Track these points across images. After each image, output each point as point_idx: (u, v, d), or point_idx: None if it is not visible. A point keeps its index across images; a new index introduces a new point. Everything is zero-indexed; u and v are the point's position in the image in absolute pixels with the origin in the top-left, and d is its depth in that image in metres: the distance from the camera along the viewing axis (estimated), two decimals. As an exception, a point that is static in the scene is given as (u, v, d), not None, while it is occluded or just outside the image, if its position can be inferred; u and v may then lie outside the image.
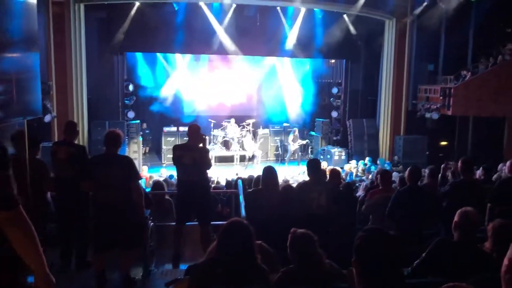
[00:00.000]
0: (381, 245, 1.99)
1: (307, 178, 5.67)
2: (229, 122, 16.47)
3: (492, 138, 15.51)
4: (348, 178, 12.80)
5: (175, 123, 16.44)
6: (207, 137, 6.04)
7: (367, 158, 15.53)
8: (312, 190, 5.24)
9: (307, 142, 17.13)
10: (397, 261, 2.01)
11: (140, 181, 5.20)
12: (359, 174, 14.15)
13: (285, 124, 17.48)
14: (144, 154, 16.28)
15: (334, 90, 17.78)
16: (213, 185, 9.19)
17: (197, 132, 5.68)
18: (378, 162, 15.21)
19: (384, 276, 1.96)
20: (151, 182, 9.45)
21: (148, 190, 7.15)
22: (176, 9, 14.75)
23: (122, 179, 4.62)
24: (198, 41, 15.10)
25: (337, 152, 16.18)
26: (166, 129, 16.12)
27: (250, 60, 17.76)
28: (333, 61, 18.49)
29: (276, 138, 17.18)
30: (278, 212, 5.02)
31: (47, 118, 11.69)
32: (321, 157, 16.05)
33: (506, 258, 1.73)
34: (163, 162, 15.60)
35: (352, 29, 16.02)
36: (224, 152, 16.25)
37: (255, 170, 13.28)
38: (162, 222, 6.19)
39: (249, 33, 15.36)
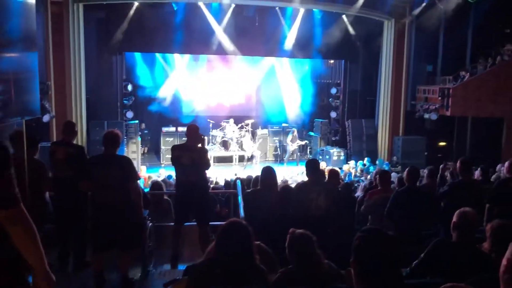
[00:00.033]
0: (380, 246, 1.98)
1: (306, 179, 5.67)
2: (228, 122, 16.47)
3: (490, 138, 15.54)
4: (347, 178, 12.79)
5: (173, 123, 16.44)
6: (205, 137, 6.04)
7: (366, 159, 15.55)
8: (311, 191, 5.23)
9: (306, 143, 17.13)
10: (395, 261, 2.01)
11: (138, 181, 5.19)
12: (357, 174, 14.15)
13: (284, 125, 17.49)
14: (143, 154, 16.27)
15: (333, 91, 17.80)
16: (211, 186, 9.19)
17: (195, 132, 5.67)
18: (377, 162, 15.22)
19: (383, 276, 1.95)
20: (149, 182, 9.44)
21: (146, 190, 7.14)
22: (175, 9, 14.74)
23: (120, 179, 4.62)
24: (197, 41, 15.10)
25: (336, 153, 16.19)
26: (164, 129, 16.13)
27: (249, 61, 17.77)
28: (332, 61, 18.52)
29: (275, 138, 17.19)
30: (277, 212, 5.02)
31: (46, 118, 11.67)
32: (320, 157, 16.05)
33: (505, 259, 1.73)
34: (161, 162, 15.61)
35: (351, 29, 16.03)
36: (223, 153, 16.25)
37: (254, 170, 13.29)
38: (161, 222, 6.19)
39: (248, 33, 15.37)
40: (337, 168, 8.26)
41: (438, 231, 5.35)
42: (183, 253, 5.79)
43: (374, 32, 16.14)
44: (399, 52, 15.84)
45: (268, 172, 5.33)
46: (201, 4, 14.73)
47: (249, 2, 15.14)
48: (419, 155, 15.41)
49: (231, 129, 16.24)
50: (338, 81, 17.87)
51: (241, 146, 16.21)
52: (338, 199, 5.40)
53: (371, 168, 14.21)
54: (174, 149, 5.75)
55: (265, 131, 17.21)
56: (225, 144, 16.43)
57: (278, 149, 17.09)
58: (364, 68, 17.48)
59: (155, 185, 7.26)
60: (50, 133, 12.60)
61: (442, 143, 17.40)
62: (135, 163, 9.18)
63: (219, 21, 15.18)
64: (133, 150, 14.65)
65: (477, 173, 7.25)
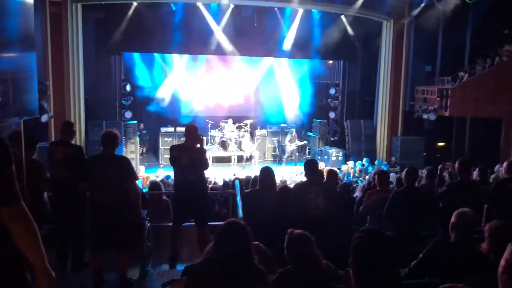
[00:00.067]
0: (378, 246, 1.98)
1: (304, 179, 5.67)
2: (226, 122, 16.47)
3: (489, 139, 15.57)
4: (345, 179, 12.80)
5: (172, 123, 16.44)
6: (204, 138, 6.04)
7: (364, 159, 15.56)
8: (310, 191, 5.23)
9: (304, 143, 17.13)
10: (394, 261, 2.01)
11: (137, 181, 5.19)
12: (356, 175, 14.16)
13: (282, 125, 17.49)
14: (141, 154, 16.26)
15: (332, 91, 17.80)
16: (210, 186, 9.19)
17: (194, 133, 5.67)
18: (375, 163, 15.24)
19: (381, 276, 1.95)
20: (148, 182, 9.43)
21: (145, 190, 7.14)
22: (173, 9, 14.74)
23: (119, 179, 4.61)
24: (195, 41, 15.09)
25: (335, 153, 16.20)
26: (163, 129, 16.13)
27: (247, 61, 17.77)
28: (330, 62, 18.52)
29: (273, 138, 17.19)
30: (276, 212, 5.02)
31: (44, 118, 11.65)
32: (319, 157, 16.07)
33: (503, 259, 1.74)
34: (160, 162, 15.60)
35: (349, 30, 16.03)
36: (221, 153, 16.24)
37: (253, 170, 13.28)
38: (159, 222, 6.18)
39: (247, 34, 15.36)
40: (335, 169, 8.27)
41: (436, 231, 5.35)
42: (181, 253, 5.79)
43: (373, 33, 16.15)
44: (398, 53, 15.86)
45: (267, 173, 5.33)
46: (199, 4, 14.72)
47: (247, 3, 15.13)
48: (417, 156, 15.42)
49: (229, 129, 16.24)
50: (337, 82, 17.87)
51: (239, 147, 16.21)
52: (336, 199, 5.40)
53: (370, 168, 14.22)
54: (173, 149, 5.75)
55: (264, 131, 17.21)
56: (223, 144, 16.43)
57: (277, 149, 17.09)
58: (363, 68, 17.49)
59: (154, 185, 7.26)
60: (48, 133, 12.59)
61: (440, 144, 17.42)
62: (133, 163, 9.16)
63: (218, 22, 15.18)
64: (132, 150, 14.63)
65: (475, 174, 7.24)
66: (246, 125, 16.65)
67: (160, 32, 14.76)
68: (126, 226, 4.64)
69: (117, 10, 14.60)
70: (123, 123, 14.86)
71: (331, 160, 15.87)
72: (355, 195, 8.03)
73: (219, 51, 15.62)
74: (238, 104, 18.38)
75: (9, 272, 2.11)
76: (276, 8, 15.42)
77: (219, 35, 15.23)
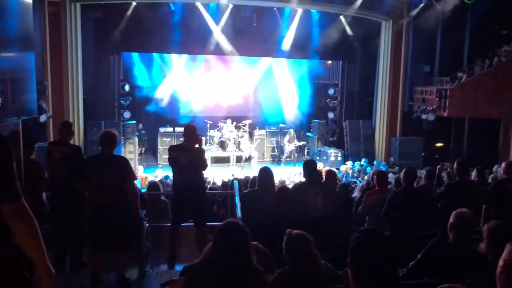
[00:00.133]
0: (377, 246, 1.98)
1: (303, 179, 5.67)
2: (225, 122, 16.46)
3: (487, 139, 15.58)
4: (344, 179, 12.81)
5: (171, 123, 16.43)
6: (203, 138, 6.03)
7: (363, 159, 15.58)
8: (308, 191, 5.24)
9: (303, 144, 17.13)
10: (392, 262, 2.01)
11: (135, 181, 5.19)
12: (355, 175, 14.18)
13: (281, 125, 17.48)
14: (140, 154, 16.25)
15: (331, 91, 17.81)
16: (209, 186, 9.18)
17: (193, 133, 5.67)
18: (374, 163, 15.25)
19: (380, 277, 1.95)
20: (146, 182, 9.43)
21: (144, 190, 7.13)
22: (172, 9, 14.72)
23: (117, 179, 4.61)
24: (194, 41, 15.08)
25: (333, 153, 16.21)
26: (162, 129, 16.12)
27: (246, 61, 17.76)
28: (329, 62, 18.51)
29: (272, 139, 17.19)
30: (274, 213, 5.02)
31: (43, 118, 11.64)
32: (317, 158, 16.08)
33: (501, 259, 1.74)
34: (159, 162, 15.59)
35: (348, 30, 16.03)
36: (220, 153, 16.24)
37: (251, 171, 13.28)
38: (158, 222, 6.18)
39: (246, 34, 15.35)
40: (334, 169, 8.26)
41: (435, 231, 5.35)
42: (180, 253, 5.78)
43: (371, 33, 16.15)
44: (397, 53, 15.86)
45: (266, 173, 5.34)
46: (198, 4, 14.71)
47: (246, 3, 15.12)
48: (416, 156, 15.44)
49: (228, 130, 16.24)
50: (336, 82, 17.88)
51: (238, 147, 16.21)
52: (335, 199, 5.41)
53: (369, 168, 14.23)
54: (171, 149, 5.75)
55: (263, 131, 17.21)
56: (222, 145, 16.43)
57: (276, 149, 17.10)
58: (362, 68, 17.50)
59: (152, 185, 7.26)
60: (47, 133, 12.57)
61: (439, 144, 17.43)
62: (132, 163, 9.18)
63: (217, 21, 15.16)
64: (130, 150, 14.63)
65: (473, 174, 7.26)
66: (245, 125, 16.64)
67: (159, 32, 14.74)
68: (124, 226, 4.64)
69: (116, 10, 14.59)
70: (122, 123, 14.85)
71: (329, 160, 15.88)
72: (353, 195, 8.03)
73: (218, 51, 15.61)
74: (237, 104, 18.36)
75: (9, 272, 2.11)
76: (275, 8, 15.42)
77: (218, 35, 15.23)
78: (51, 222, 5.48)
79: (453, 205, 3.98)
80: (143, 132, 16.76)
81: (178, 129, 15.53)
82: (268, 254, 3.35)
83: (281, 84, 18.36)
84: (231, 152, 16.11)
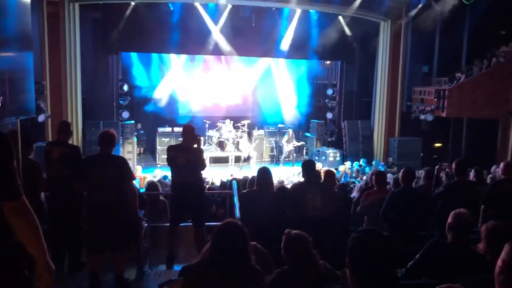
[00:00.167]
0: (375, 246, 1.99)
1: (302, 179, 5.67)
2: (224, 123, 16.46)
3: (485, 140, 15.58)
4: (342, 179, 12.82)
5: (170, 123, 16.41)
6: (201, 138, 6.03)
7: (361, 160, 15.60)
8: (307, 191, 5.24)
9: (302, 144, 17.13)
10: (391, 262, 2.01)
11: (134, 181, 5.18)
12: (353, 175, 14.18)
13: (280, 125, 17.49)
14: (139, 154, 16.24)
15: (329, 92, 17.83)
16: (207, 186, 9.19)
17: (191, 133, 5.67)
18: (372, 163, 15.25)
19: (378, 277, 1.96)
20: (145, 182, 9.43)
21: (142, 190, 7.13)
22: (171, 9, 14.71)
23: (116, 179, 4.60)
24: (193, 41, 15.07)
25: (332, 153, 16.20)
26: (160, 129, 16.09)
27: (245, 61, 17.76)
28: (328, 62, 18.52)
29: (271, 139, 17.19)
30: (273, 213, 5.02)
31: (41, 118, 11.62)
32: (316, 158, 16.08)
33: (500, 259, 1.74)
34: (157, 162, 15.57)
35: (347, 30, 16.05)
36: (219, 153, 16.24)
37: (250, 171, 13.28)
38: (156, 222, 6.18)
39: (245, 34, 15.35)
40: (333, 169, 8.25)
41: (433, 232, 5.36)
42: (178, 253, 5.78)
43: (370, 33, 16.17)
44: (395, 53, 15.88)
45: (264, 173, 5.34)
46: (197, 4, 14.71)
47: (245, 3, 15.12)
48: (414, 156, 15.45)
49: (227, 130, 16.23)
50: (334, 82, 17.89)
51: (237, 147, 16.21)
52: (334, 200, 5.41)
53: (367, 169, 14.24)
54: (170, 149, 5.75)
55: (261, 131, 17.21)
56: (221, 145, 16.43)
57: (274, 150, 17.09)
58: (360, 69, 17.51)
59: (151, 185, 7.26)
60: (45, 133, 12.55)
61: (437, 144, 17.44)
62: (130, 163, 9.15)
63: (216, 22, 15.16)
64: (129, 150, 14.61)
65: (471, 175, 7.27)
66: (243, 126, 16.64)
67: (157, 32, 14.73)
68: (123, 226, 4.64)
69: (114, 10, 14.58)
70: (121, 123, 14.84)
71: (328, 160, 15.88)
72: (352, 195, 8.03)
73: (217, 51, 15.61)
74: (235, 105, 18.35)
75: (9, 271, 2.12)
76: (274, 9, 15.43)
77: (217, 35, 15.22)
78: (49, 222, 5.47)
79: (451, 205, 3.98)
80: (141, 132, 16.76)
81: (176, 129, 15.51)
82: (267, 254, 3.35)
83: (279, 84, 18.36)
84: (230, 152, 16.10)
